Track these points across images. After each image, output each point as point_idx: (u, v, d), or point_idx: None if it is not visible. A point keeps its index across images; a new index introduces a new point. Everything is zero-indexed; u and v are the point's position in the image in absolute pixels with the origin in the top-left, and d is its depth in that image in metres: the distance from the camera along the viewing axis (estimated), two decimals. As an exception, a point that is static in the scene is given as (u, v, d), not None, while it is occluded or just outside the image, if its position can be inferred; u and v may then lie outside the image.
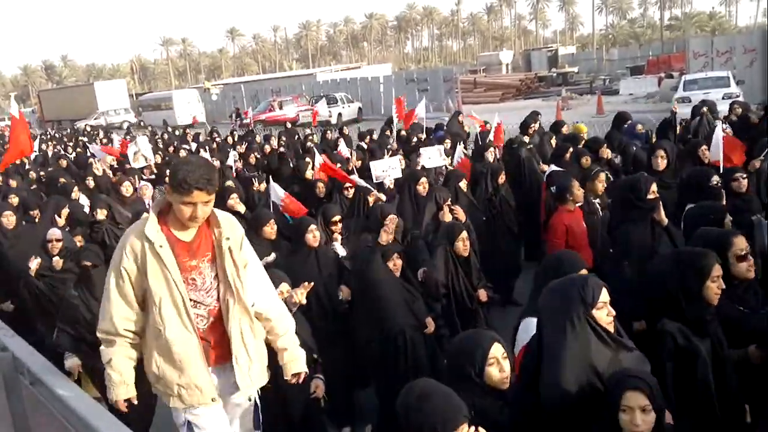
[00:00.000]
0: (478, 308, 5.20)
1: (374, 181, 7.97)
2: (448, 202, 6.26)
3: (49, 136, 29.88)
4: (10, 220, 7.30)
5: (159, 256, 2.96)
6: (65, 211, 8.05)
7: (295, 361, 3.41)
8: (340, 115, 32.26)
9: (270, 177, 8.88)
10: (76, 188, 9.60)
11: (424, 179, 7.12)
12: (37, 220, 8.14)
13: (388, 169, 8.24)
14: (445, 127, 13.44)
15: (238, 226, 3.20)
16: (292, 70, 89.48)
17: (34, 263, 6.13)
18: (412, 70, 72.59)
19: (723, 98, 16.14)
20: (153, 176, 11.51)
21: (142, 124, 41.97)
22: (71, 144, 22.85)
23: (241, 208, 7.27)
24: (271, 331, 3.36)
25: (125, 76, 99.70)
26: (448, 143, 10.48)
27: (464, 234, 5.18)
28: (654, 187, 4.91)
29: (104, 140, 22.84)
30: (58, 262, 6.14)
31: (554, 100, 30.85)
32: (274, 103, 34.60)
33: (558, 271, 3.23)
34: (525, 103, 31.67)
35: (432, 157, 8.86)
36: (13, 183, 11.29)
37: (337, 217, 6.03)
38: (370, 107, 36.48)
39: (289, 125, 20.21)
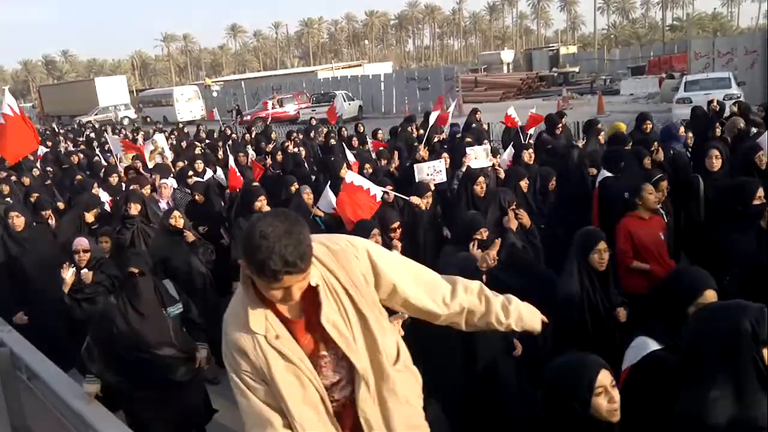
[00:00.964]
0: (615, 329, 4.48)
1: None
2: (514, 206, 5.64)
3: (58, 131, 29.19)
4: (18, 221, 6.62)
5: (279, 351, 2.18)
6: (94, 211, 7.51)
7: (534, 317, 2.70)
8: (340, 113, 32.21)
9: (322, 179, 8.60)
10: (95, 185, 9.06)
11: (482, 179, 6.63)
12: (51, 221, 7.54)
13: (433, 172, 7.58)
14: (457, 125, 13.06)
15: (343, 250, 2.27)
16: (293, 68, 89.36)
17: (69, 274, 5.48)
18: (413, 68, 72.62)
19: (724, 99, 16.10)
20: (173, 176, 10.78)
21: (148, 119, 40.80)
22: (82, 140, 22.14)
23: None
24: (470, 315, 2.54)
25: (126, 72, 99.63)
26: (483, 145, 9.54)
27: (602, 245, 4.38)
28: (761, 192, 4.56)
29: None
30: (87, 275, 5.52)
31: (555, 99, 30.83)
32: (273, 101, 34.59)
33: (681, 290, 2.99)
34: (526, 103, 31.64)
35: (479, 157, 8.11)
36: (25, 180, 10.86)
37: (397, 224, 5.66)
38: (370, 105, 36.47)
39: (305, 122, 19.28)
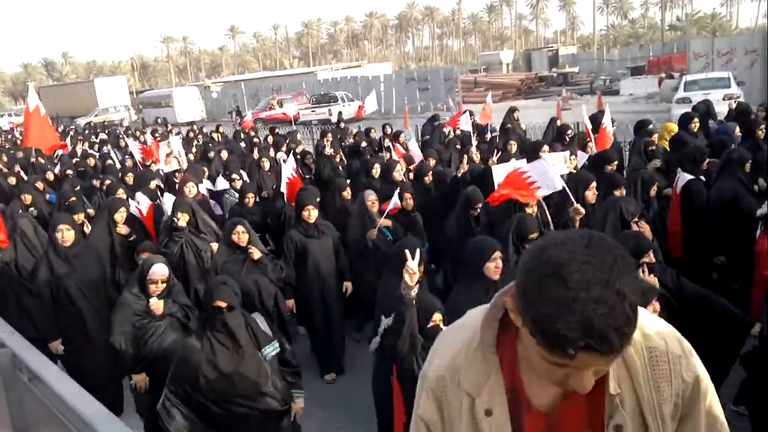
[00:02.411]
0: None
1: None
2: (636, 219, 4.91)
3: (68, 132, 28.34)
4: (68, 235, 5.60)
5: (477, 429, 1.52)
6: (122, 215, 6.79)
7: None
8: (340, 113, 32.23)
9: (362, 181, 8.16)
10: (121, 189, 8.37)
11: (594, 183, 5.77)
12: (86, 228, 6.98)
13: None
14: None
15: (672, 358, 1.45)
16: (293, 69, 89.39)
17: (156, 303, 4.67)
18: (413, 69, 72.57)
19: (723, 99, 16.15)
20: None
21: (159, 120, 38.76)
22: (97, 141, 20.79)
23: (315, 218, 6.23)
24: None
25: (126, 73, 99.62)
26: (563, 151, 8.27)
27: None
28: None
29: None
30: (157, 306, 4.65)
31: (554, 100, 30.84)
32: (273, 102, 34.57)
33: None
34: (525, 103, 31.67)
35: (556, 164, 6.99)
36: (39, 185, 9.99)
37: (535, 234, 4.68)
38: (370, 106, 36.43)
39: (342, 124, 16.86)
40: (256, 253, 5.64)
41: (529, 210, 5.62)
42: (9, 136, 28.10)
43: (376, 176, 8.29)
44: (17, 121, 39.62)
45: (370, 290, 6.37)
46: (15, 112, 56.64)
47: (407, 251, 3.49)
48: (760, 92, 21.54)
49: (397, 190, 6.68)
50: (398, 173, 7.95)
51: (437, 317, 3.73)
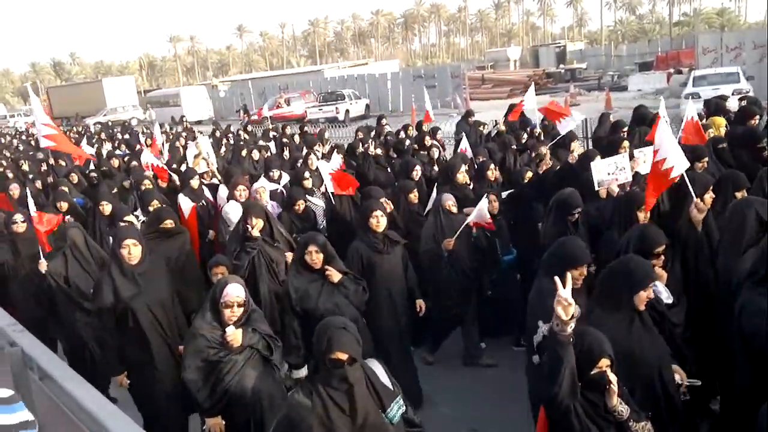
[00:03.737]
0: None
1: (596, 186, 5.95)
2: None
3: (92, 132, 27.55)
4: (135, 252, 4.86)
5: None
6: (169, 223, 6.39)
7: None
8: (347, 111, 32.25)
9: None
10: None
11: (711, 186, 5.09)
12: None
13: (615, 170, 6.09)
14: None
15: None
16: (300, 67, 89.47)
17: (233, 333, 3.93)
18: (420, 66, 72.62)
19: (733, 94, 16.04)
20: (217, 181, 9.53)
21: (174, 119, 35.17)
22: (117, 141, 20.26)
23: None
24: None
25: (134, 72, 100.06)
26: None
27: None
28: None
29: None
30: (235, 336, 3.91)
31: (562, 96, 30.75)
32: (281, 100, 34.62)
33: None
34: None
35: (648, 161, 6.50)
36: (66, 189, 9.38)
37: (662, 248, 4.17)
38: (377, 104, 36.45)
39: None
40: (335, 275, 4.82)
41: (641, 215, 4.90)
42: (24, 137, 27.82)
43: (416, 178, 7.74)
44: (30, 121, 39.65)
45: (444, 307, 6.06)
46: (25, 112, 57.02)
47: (557, 279, 2.93)
48: (769, 87, 21.43)
49: (486, 195, 5.97)
50: (462, 175, 7.12)
51: (604, 363, 3.06)
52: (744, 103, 10.44)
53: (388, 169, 9.65)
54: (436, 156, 9.52)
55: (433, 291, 5.96)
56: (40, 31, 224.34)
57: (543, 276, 3.88)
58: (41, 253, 6.03)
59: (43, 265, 5.84)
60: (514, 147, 9.48)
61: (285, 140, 13.49)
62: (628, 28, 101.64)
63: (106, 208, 7.73)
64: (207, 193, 8.63)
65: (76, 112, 45.06)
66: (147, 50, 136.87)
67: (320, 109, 32.29)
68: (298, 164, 9.59)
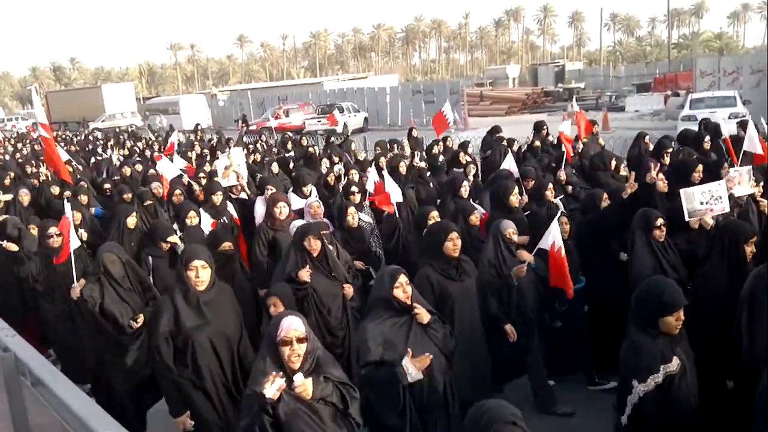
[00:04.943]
0: None
1: (687, 217, 5.49)
2: None
3: (96, 137, 26.56)
4: (204, 275, 4.20)
5: None
6: (228, 245, 5.81)
7: None
8: (345, 125, 32.33)
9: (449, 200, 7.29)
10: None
11: None
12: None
13: (710, 199, 5.50)
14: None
15: None
16: (300, 79, 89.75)
17: (273, 389, 2.98)
18: (419, 81, 72.84)
19: (729, 117, 16.17)
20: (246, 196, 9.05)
21: (198, 128, 34.57)
22: (128, 148, 19.03)
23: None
24: None
25: (133, 79, 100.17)
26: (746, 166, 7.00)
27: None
28: None
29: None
30: (305, 387, 3.09)
31: (560, 115, 30.88)
32: (279, 111, 34.69)
33: None
34: (531, 117, 31.67)
35: (743, 182, 6.09)
36: (83, 199, 8.97)
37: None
38: (376, 117, 36.56)
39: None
40: (425, 315, 3.92)
41: (748, 249, 4.45)
42: (27, 141, 27.25)
43: (464, 195, 7.27)
44: (30, 124, 39.47)
45: (506, 342, 5.21)
46: (23, 116, 56.98)
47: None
48: (766, 111, 21.56)
49: (557, 218, 5.34)
50: (515, 197, 6.50)
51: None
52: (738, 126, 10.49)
53: (432, 184, 9.02)
54: (472, 173, 9.01)
55: (490, 325, 5.18)
56: (41, 35, 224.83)
57: (634, 327, 3.55)
58: (74, 273, 5.37)
59: (75, 291, 5.16)
60: (554, 165, 9.11)
61: (310, 151, 12.04)
62: (627, 50, 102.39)
63: (130, 221, 7.01)
64: (231, 209, 8.00)
65: (83, 116, 44.93)
66: (147, 57, 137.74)
67: (319, 121, 32.33)
68: (329, 178, 8.95)
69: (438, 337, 3.97)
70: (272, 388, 2.95)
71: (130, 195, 8.77)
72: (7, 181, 10.98)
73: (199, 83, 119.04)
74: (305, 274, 4.83)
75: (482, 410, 2.47)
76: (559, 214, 5.49)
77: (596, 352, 5.80)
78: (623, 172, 8.46)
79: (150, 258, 6.08)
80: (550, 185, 7.03)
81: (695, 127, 11.33)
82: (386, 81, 51.67)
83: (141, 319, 4.94)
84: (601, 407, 4.87)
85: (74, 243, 5.79)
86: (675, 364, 3.37)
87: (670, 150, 8.46)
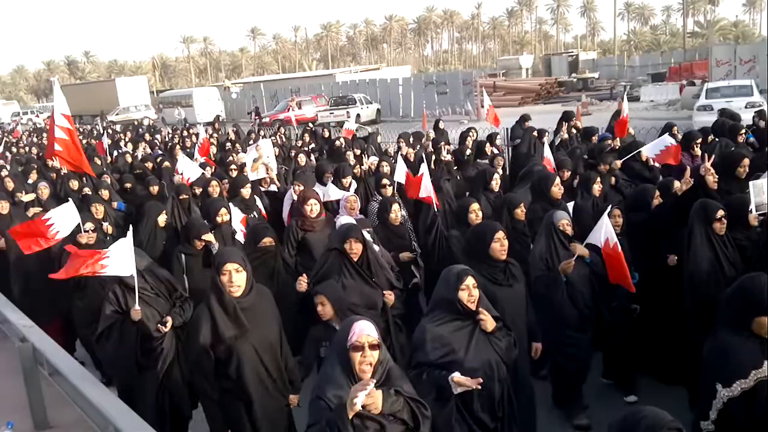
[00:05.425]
0: None
1: (754, 211, 5.13)
2: None
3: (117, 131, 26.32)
4: (237, 280, 3.86)
5: None
6: (269, 241, 5.56)
7: None
8: (358, 116, 32.32)
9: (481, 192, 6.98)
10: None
11: None
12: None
13: None
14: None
15: None
16: (312, 71, 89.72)
17: (375, 397, 2.72)
18: (431, 72, 72.58)
19: (746, 107, 15.98)
20: (275, 190, 8.91)
21: (219, 118, 31.95)
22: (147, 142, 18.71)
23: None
24: None
25: (147, 73, 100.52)
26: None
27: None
28: None
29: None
30: (376, 401, 2.72)
31: (574, 105, 30.69)
32: (292, 103, 34.73)
33: None
34: (544, 108, 31.54)
35: None
36: (105, 194, 8.81)
37: None
38: (388, 109, 36.51)
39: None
40: (490, 322, 3.68)
41: None
42: (45, 133, 27.39)
43: (496, 189, 7.09)
44: (47, 116, 39.45)
45: (565, 345, 5.02)
46: (38, 109, 57.38)
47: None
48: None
49: (608, 212, 5.02)
50: (558, 188, 6.25)
51: None
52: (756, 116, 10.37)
53: (459, 177, 8.83)
54: (500, 166, 8.72)
55: (549, 325, 4.95)
56: (55, 29, 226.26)
57: (724, 326, 3.29)
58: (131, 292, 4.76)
59: (137, 313, 4.64)
60: (586, 158, 8.80)
61: (336, 144, 11.79)
62: (642, 39, 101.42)
63: (161, 219, 6.74)
64: (259, 203, 7.85)
65: (101, 110, 45.08)
66: (160, 51, 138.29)
67: (331, 113, 32.35)
68: (356, 170, 8.63)
69: (501, 346, 3.73)
70: (361, 397, 2.59)
71: (157, 188, 8.73)
72: (33, 177, 10.86)
73: (212, 76, 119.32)
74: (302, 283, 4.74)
75: (639, 416, 2.33)
76: (609, 208, 5.15)
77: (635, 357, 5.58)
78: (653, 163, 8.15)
79: (183, 256, 5.79)
80: (598, 179, 6.76)
81: (712, 118, 11.19)
82: (398, 72, 51.56)
83: (170, 322, 4.70)
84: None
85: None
86: (766, 369, 3.06)
87: (700, 141, 8.14)
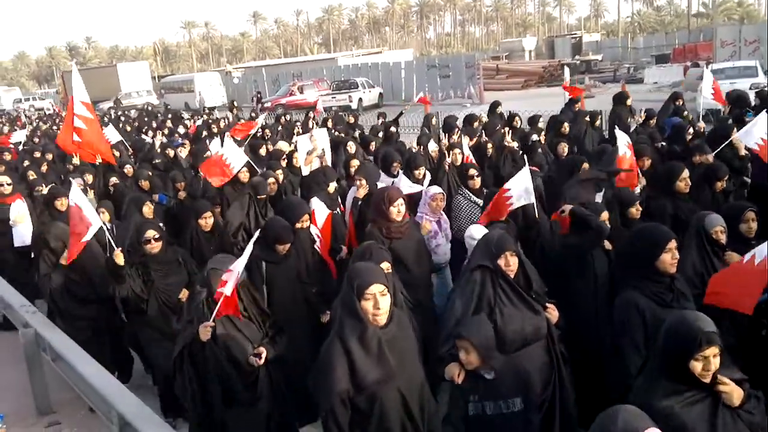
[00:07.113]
0: None
1: None
2: None
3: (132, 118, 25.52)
4: (382, 307, 2.98)
5: None
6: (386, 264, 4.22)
7: None
8: (360, 100, 32.19)
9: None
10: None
11: None
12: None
13: None
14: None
15: None
16: (314, 55, 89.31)
17: None
18: (434, 56, 72.23)
19: (750, 88, 15.86)
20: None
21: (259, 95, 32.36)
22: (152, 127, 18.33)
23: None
24: None
25: (148, 58, 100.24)
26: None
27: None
28: None
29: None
30: None
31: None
32: (294, 88, 34.60)
33: None
34: (548, 91, 31.38)
35: None
36: (144, 184, 8.12)
37: None
38: (391, 93, 36.35)
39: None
40: (736, 394, 2.71)
41: None
42: (57, 120, 26.87)
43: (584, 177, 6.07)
44: (56, 102, 38.89)
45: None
46: (40, 96, 57.23)
47: None
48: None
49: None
50: (685, 182, 5.34)
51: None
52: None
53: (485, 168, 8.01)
54: (564, 153, 7.75)
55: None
56: (56, 15, 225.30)
57: None
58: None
59: (206, 332, 3.75)
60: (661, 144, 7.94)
61: (391, 131, 10.59)
62: (646, 20, 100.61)
63: (209, 222, 5.94)
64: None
65: (115, 95, 44.90)
66: (162, 36, 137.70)
67: (333, 98, 32.24)
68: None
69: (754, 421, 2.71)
70: None
71: (183, 183, 8.16)
72: (44, 168, 10.35)
73: (214, 61, 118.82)
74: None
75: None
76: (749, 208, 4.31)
77: None
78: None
79: (264, 264, 4.76)
80: (726, 170, 5.74)
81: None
82: (401, 56, 51.26)
83: (263, 353, 3.79)
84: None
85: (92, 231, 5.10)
86: None
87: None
